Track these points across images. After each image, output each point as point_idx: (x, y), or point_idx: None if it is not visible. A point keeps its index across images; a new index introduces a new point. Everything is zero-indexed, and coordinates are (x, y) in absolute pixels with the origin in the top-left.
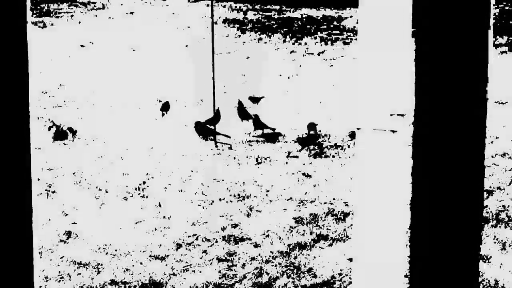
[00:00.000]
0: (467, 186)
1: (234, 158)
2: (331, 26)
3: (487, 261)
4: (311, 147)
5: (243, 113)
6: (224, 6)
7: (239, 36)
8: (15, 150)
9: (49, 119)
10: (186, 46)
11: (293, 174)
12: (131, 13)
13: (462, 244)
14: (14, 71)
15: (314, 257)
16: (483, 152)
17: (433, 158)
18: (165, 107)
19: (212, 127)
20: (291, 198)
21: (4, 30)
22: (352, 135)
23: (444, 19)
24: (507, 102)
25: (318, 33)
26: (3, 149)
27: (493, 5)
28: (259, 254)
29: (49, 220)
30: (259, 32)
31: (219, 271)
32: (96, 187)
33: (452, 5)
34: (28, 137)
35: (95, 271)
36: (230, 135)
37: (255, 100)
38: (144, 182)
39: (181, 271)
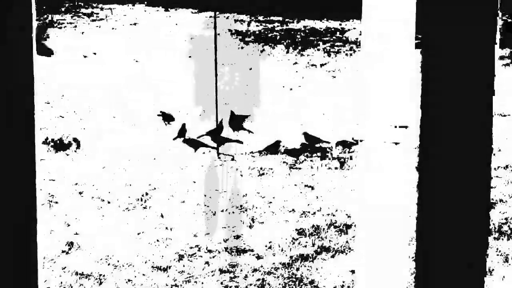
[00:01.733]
0: (474, 200)
1: (237, 169)
2: (334, 37)
3: (489, 273)
4: (312, 158)
5: (235, 124)
6: (227, 18)
7: (242, 47)
8: (20, 161)
9: (52, 131)
10: (189, 57)
11: (295, 185)
12: (135, 24)
13: (468, 257)
14: (21, 81)
15: (317, 269)
16: (489, 165)
17: (439, 171)
18: (168, 118)
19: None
20: (293, 210)
21: (11, 42)
22: (339, 143)
23: (449, 32)
24: (509, 115)
25: (321, 44)
26: (9, 159)
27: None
28: (261, 266)
29: (51, 230)
30: (262, 43)
31: (221, 283)
32: (99, 198)
33: (458, 19)
34: (33, 148)
35: (97, 282)
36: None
37: (242, 117)
38: (146, 193)
39: (183, 282)
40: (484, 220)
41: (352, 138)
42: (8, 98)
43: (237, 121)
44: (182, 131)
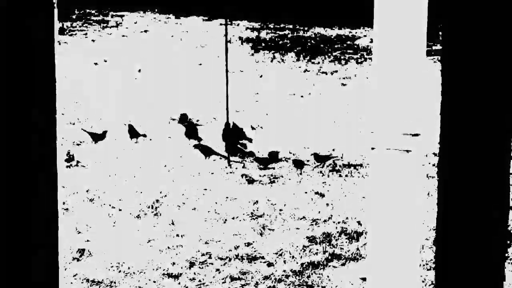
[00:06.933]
0: (494, 206)
1: (247, 177)
2: (345, 45)
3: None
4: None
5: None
6: (238, 25)
7: (253, 54)
8: (46, 169)
9: (62, 137)
10: (200, 64)
11: (306, 193)
12: (145, 31)
13: (487, 269)
14: (43, 88)
15: (327, 277)
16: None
17: (460, 178)
18: (183, 119)
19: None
20: (304, 217)
21: (38, 52)
22: (315, 157)
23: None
24: None
25: (332, 52)
26: (31, 165)
27: None
28: (272, 273)
29: (62, 237)
30: (272, 51)
31: None
32: (109, 205)
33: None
34: (54, 153)
35: None
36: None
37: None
38: (157, 201)
39: None
40: (506, 228)
41: (330, 154)
42: (29, 103)
43: (191, 130)
44: (190, 130)
